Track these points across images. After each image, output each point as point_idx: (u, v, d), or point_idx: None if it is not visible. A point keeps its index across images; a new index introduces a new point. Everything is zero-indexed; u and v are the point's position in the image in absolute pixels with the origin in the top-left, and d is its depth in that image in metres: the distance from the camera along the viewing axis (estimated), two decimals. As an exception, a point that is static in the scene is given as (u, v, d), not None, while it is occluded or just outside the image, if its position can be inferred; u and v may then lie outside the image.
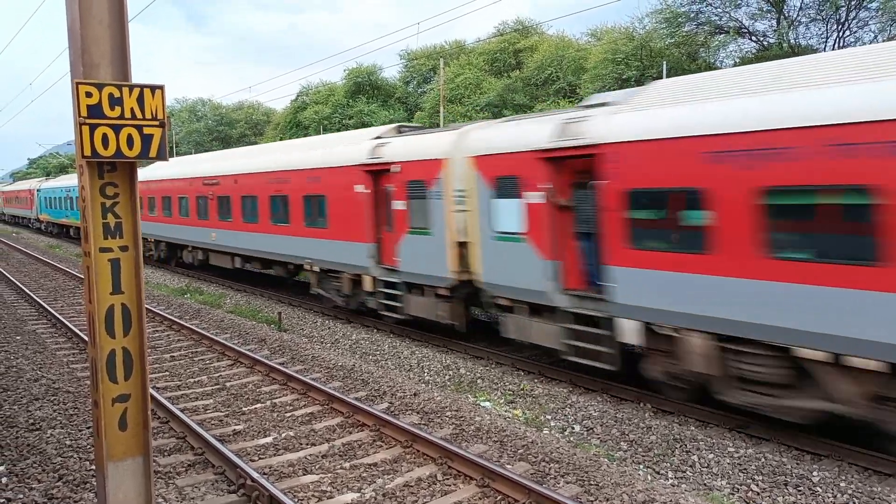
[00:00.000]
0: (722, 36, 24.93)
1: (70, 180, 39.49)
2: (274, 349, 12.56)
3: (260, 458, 7.40)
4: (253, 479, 6.42)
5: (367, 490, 6.59)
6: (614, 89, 25.61)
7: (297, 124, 46.67)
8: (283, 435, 8.10)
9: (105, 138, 3.75)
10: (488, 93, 34.74)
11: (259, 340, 13.23)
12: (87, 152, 3.73)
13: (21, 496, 6.43)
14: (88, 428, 8.30)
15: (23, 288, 19.55)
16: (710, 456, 7.53)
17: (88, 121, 3.70)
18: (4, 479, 6.81)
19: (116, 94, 3.77)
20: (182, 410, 8.78)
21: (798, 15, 23.43)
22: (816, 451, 7.53)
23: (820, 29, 23.59)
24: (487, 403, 9.52)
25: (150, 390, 4.21)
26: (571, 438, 8.31)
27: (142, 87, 3.85)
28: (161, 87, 3.92)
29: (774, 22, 24.09)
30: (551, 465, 7.11)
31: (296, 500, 6.32)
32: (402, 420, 8.24)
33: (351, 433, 8.13)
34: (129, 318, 3.98)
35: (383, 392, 9.74)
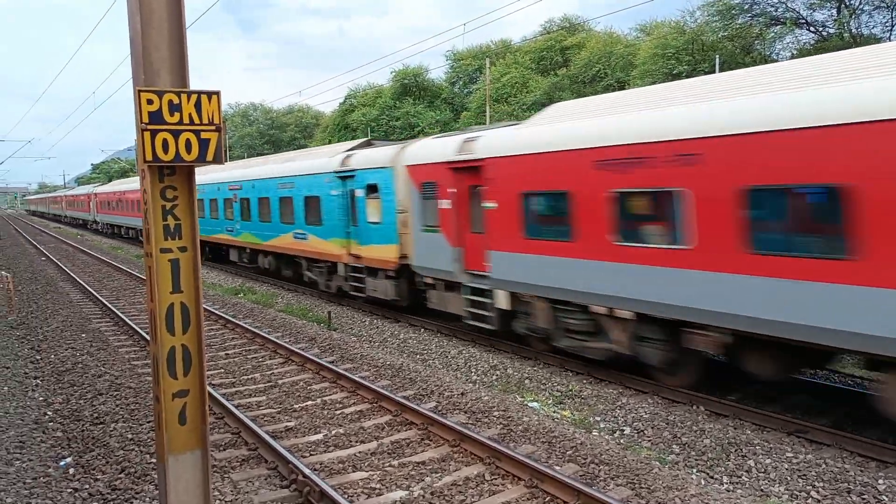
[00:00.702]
0: (778, 27, 24.10)
1: (225, 172, 23.68)
2: (324, 348, 12.78)
3: (311, 455, 7.55)
4: (305, 475, 6.56)
5: (415, 488, 6.64)
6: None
7: (345, 126, 47.38)
8: (334, 432, 8.24)
9: (165, 143, 3.90)
10: (535, 91, 34.50)
11: (309, 339, 13.49)
12: (149, 157, 3.88)
13: (87, 486, 6.74)
14: (149, 422, 8.63)
15: (87, 287, 20.45)
16: (768, 461, 7.30)
17: (150, 126, 3.85)
18: (72, 470, 7.15)
19: (175, 100, 3.91)
20: (237, 407, 9.03)
21: (860, 3, 22.44)
22: (882, 458, 7.20)
23: (885, 17, 22.54)
24: (535, 404, 9.47)
25: (207, 386, 4.36)
26: (621, 441, 8.19)
27: (199, 93, 3.98)
28: (217, 93, 4.04)
29: (834, 11, 23.14)
30: (601, 467, 7.02)
31: (346, 496, 6.42)
32: (449, 419, 8.28)
33: (399, 431, 8.21)
34: (187, 317, 4.12)
35: (431, 391, 9.80)
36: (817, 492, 6.65)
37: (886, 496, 6.46)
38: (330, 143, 47.07)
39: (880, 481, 6.71)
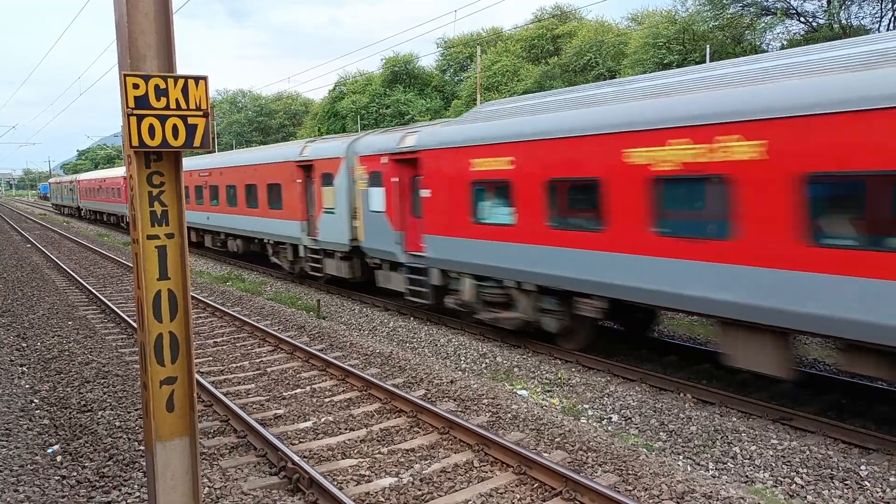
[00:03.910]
0: (769, 17, 24.15)
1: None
2: (313, 336, 12.77)
3: (300, 442, 7.56)
4: (294, 462, 6.57)
5: (404, 475, 6.67)
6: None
7: (334, 114, 47.09)
8: (323, 420, 8.25)
9: (151, 128, 3.85)
10: (526, 80, 34.44)
11: (298, 327, 13.47)
12: (135, 142, 3.83)
13: (75, 474, 6.72)
14: (136, 410, 8.60)
15: (73, 275, 20.28)
16: (753, 447, 7.39)
17: (136, 112, 3.81)
18: (59, 458, 7.11)
19: (162, 85, 3.86)
20: (225, 394, 9.01)
21: (850, -6, 22.53)
22: (864, 444, 7.32)
23: (874, 8, 22.65)
24: (524, 392, 9.52)
25: (195, 374, 4.35)
26: (609, 428, 8.26)
27: (186, 78, 3.94)
28: (204, 78, 4.00)
29: (824, 1, 23.21)
30: (589, 454, 7.08)
31: (335, 483, 6.44)
32: (438, 407, 8.31)
33: (388, 419, 8.23)
34: (175, 304, 4.10)
35: (420, 379, 9.82)
36: (801, 478, 6.75)
37: (868, 482, 6.57)
38: (319, 131, 46.74)
39: (862, 467, 6.82)
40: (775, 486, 6.66)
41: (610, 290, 9.40)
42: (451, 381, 9.62)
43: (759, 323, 7.70)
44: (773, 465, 7.03)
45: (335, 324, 14.11)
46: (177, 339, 4.12)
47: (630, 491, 6.27)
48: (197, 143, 4.01)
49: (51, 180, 79.36)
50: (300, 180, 17.37)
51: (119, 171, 37.29)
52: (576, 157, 9.70)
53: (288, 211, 18.05)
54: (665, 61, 25.10)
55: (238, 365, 10.89)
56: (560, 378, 10.00)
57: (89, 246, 29.81)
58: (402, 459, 7.05)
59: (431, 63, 47.49)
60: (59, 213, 66.94)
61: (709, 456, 7.36)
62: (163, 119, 3.89)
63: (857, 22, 23.04)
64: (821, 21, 23.35)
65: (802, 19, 24.23)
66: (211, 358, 11.31)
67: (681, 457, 7.40)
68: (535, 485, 6.38)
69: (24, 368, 10.57)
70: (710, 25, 24.85)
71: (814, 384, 9.20)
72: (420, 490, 6.35)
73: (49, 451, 7.28)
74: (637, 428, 8.22)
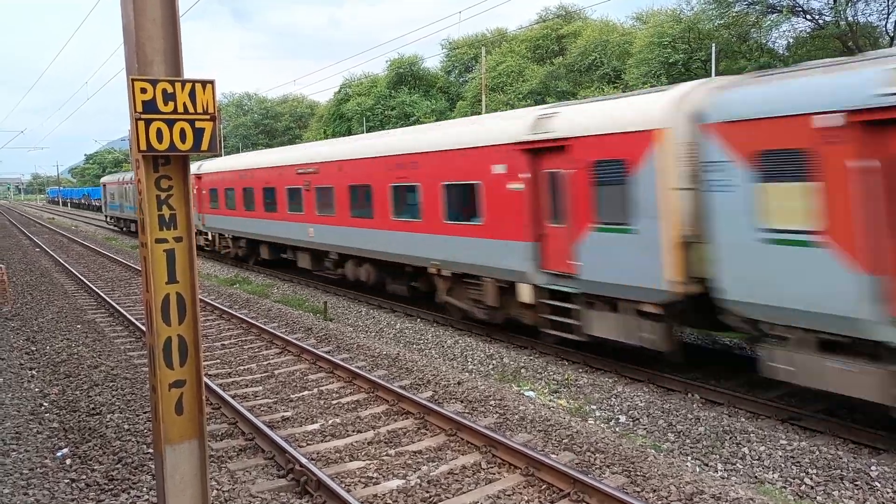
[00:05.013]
0: (774, 15, 24.04)
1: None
2: (320, 338, 12.79)
3: (308, 444, 7.57)
4: (301, 465, 6.58)
5: (412, 477, 6.67)
6: (660, 73, 25.06)
7: (340, 116, 47.18)
8: (330, 422, 8.26)
9: (159, 133, 3.87)
10: (531, 80, 34.43)
11: (306, 329, 13.50)
12: (143, 147, 3.85)
13: (84, 477, 6.75)
14: (145, 413, 8.64)
15: (82, 279, 20.38)
16: (762, 448, 7.36)
17: (144, 116, 3.82)
18: (69, 461, 7.15)
19: (170, 89, 3.88)
20: (233, 397, 9.04)
21: (856, -9, 22.39)
22: (875, 445, 7.27)
23: (881, 5, 22.51)
24: (531, 393, 9.51)
25: (203, 377, 4.37)
26: (617, 429, 8.23)
27: (193, 82, 3.96)
28: (211, 82, 4.02)
29: (831, -1, 23.09)
30: (596, 455, 7.07)
31: (343, 485, 6.44)
32: (446, 408, 8.31)
33: (396, 421, 8.24)
34: (183, 307, 4.11)
35: (427, 381, 9.82)
36: (811, 478, 6.71)
37: (879, 482, 6.53)
38: (325, 133, 46.84)
39: (873, 468, 6.78)
40: (785, 487, 6.63)
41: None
42: (459, 383, 9.61)
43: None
44: (783, 465, 7.00)
45: (342, 326, 14.13)
46: (185, 343, 4.13)
47: (638, 492, 6.25)
48: (205, 146, 4.02)
49: (105, 179, 47.93)
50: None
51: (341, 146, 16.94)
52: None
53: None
54: (671, 60, 25.03)
55: (246, 367, 10.92)
56: (567, 379, 9.98)
57: (97, 249, 29.96)
58: (410, 461, 7.05)
59: (436, 64, 47.56)
60: (119, 230, 41.38)
61: (717, 456, 7.33)
62: (170, 123, 3.91)
63: (864, 19, 22.92)
64: (827, 18, 23.23)
65: (809, 17, 24.11)
66: (219, 361, 11.35)
67: (689, 457, 7.37)
68: (543, 486, 6.36)
69: (34, 372, 10.64)
70: (716, 24, 24.76)
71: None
72: (427, 492, 6.35)
73: (58, 454, 7.32)
74: (645, 429, 8.19)
